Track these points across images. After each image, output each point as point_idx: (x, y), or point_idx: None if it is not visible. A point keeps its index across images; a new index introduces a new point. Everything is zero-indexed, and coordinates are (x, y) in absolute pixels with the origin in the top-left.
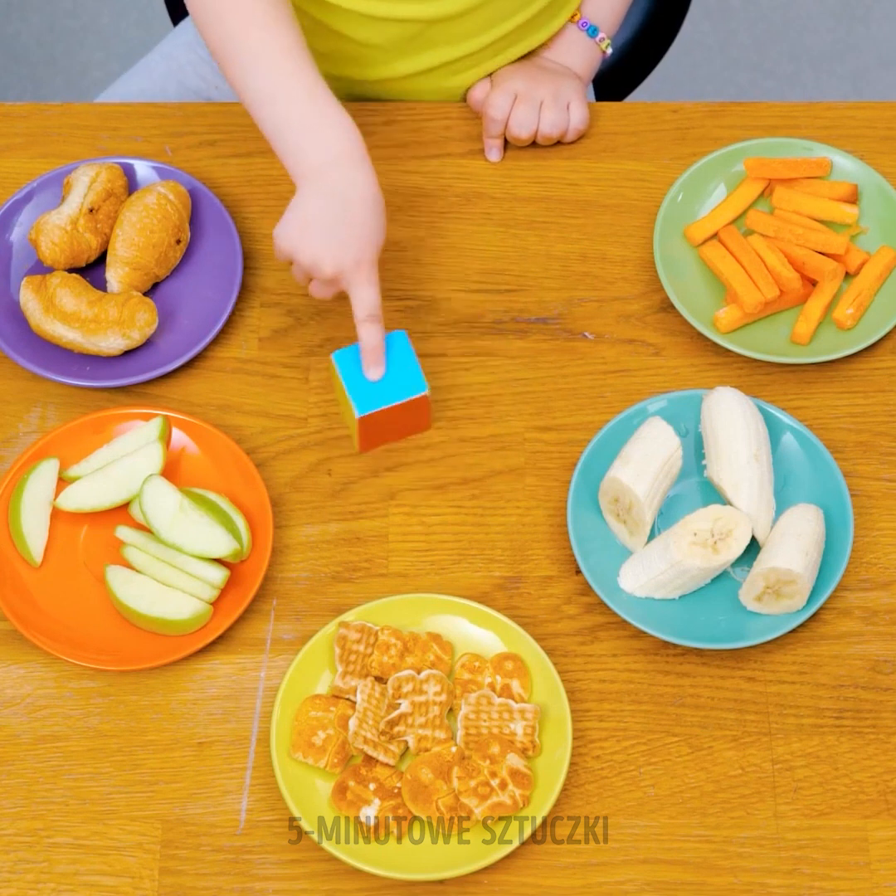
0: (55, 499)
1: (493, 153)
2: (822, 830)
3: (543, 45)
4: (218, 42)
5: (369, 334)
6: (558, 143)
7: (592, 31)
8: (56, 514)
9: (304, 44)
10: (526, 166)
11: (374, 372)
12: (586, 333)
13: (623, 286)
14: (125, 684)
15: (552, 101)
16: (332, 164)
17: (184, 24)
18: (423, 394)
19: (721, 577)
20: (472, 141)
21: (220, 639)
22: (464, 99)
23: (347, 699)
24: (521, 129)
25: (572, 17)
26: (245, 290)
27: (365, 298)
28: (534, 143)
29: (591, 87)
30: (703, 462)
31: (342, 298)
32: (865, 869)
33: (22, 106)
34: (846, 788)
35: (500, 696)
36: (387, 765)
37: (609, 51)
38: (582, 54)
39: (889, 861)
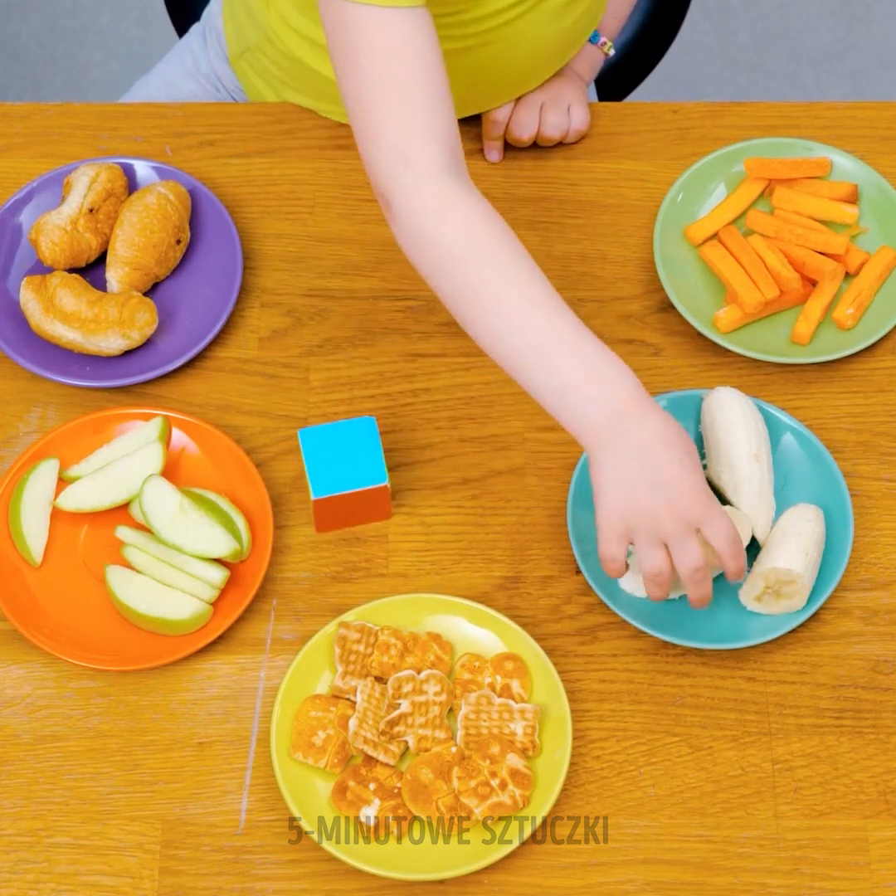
0: (55, 499)
1: (493, 154)
2: (822, 830)
3: None
4: (462, 314)
5: (731, 566)
6: (559, 143)
7: (594, 37)
8: (56, 514)
9: (545, 282)
10: (526, 166)
11: (697, 605)
12: None
13: (623, 286)
14: (125, 684)
15: (553, 103)
16: (622, 414)
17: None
18: (382, 484)
19: (721, 577)
20: (471, 141)
21: (220, 639)
22: None
23: (347, 699)
24: (523, 131)
25: None
26: (245, 290)
27: (719, 530)
28: (534, 144)
29: (592, 87)
30: (704, 462)
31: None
32: (865, 869)
33: (22, 106)
34: (846, 788)
35: (500, 696)
36: (387, 765)
37: (612, 52)
38: (583, 57)
39: (889, 861)
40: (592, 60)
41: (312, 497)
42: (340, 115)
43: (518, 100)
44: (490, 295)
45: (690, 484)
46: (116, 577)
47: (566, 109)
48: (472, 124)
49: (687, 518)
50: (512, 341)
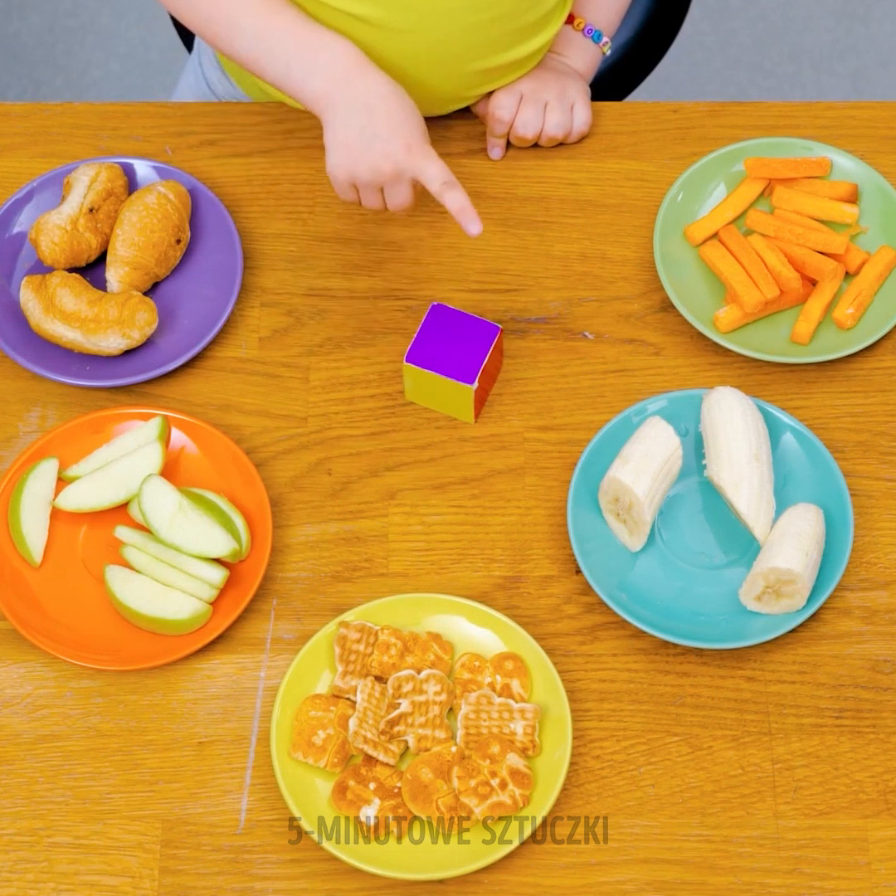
0: (55, 498)
1: (496, 151)
2: (822, 830)
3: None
4: (199, 21)
5: (453, 199)
6: (560, 143)
7: (597, 37)
8: (55, 514)
9: None
10: (526, 166)
11: (475, 227)
12: (586, 333)
13: (623, 286)
14: (125, 684)
15: (557, 102)
16: (341, 82)
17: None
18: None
19: (721, 577)
20: (472, 140)
21: (220, 638)
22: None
23: (347, 699)
24: (527, 130)
25: (575, 23)
26: (245, 290)
27: (432, 173)
28: (535, 144)
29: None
30: (703, 462)
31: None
32: (865, 869)
33: (22, 106)
34: (846, 788)
35: (500, 695)
36: (387, 764)
37: (608, 51)
38: (583, 55)
39: (889, 861)
40: (592, 60)
41: (472, 387)
42: None
43: (523, 98)
44: (211, 9)
45: (402, 135)
46: (116, 577)
47: (570, 109)
48: (472, 123)
49: (397, 166)
50: (241, 43)
